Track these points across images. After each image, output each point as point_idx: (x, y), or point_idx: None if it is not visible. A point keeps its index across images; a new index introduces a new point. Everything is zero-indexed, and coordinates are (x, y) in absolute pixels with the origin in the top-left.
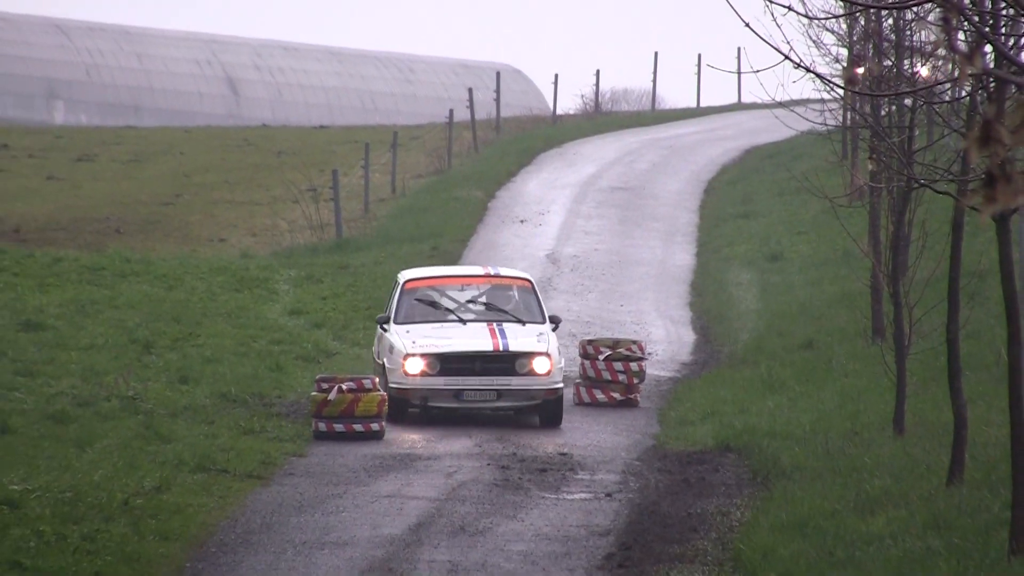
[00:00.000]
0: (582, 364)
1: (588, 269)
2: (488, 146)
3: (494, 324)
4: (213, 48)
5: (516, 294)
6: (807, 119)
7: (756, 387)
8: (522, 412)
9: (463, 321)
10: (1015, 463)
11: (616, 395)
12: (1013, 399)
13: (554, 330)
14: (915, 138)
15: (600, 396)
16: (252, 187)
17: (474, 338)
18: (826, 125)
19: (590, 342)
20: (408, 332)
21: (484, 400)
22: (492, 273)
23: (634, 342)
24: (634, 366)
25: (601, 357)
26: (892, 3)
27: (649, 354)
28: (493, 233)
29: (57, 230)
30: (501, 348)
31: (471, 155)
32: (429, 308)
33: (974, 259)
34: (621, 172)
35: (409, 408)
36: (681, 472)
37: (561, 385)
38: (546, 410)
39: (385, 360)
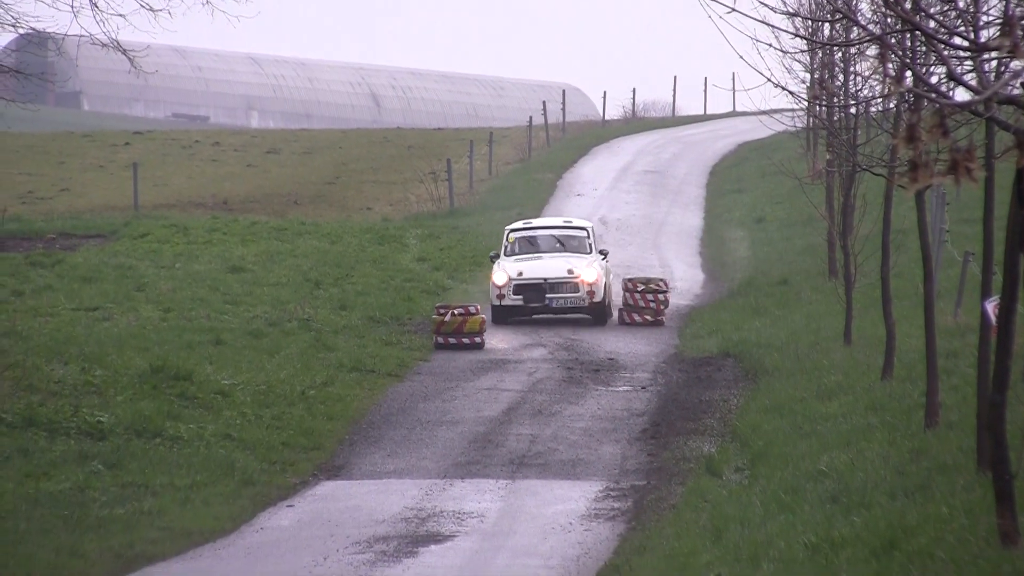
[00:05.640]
0: (624, 296)
1: (628, 229)
2: (556, 142)
3: None
4: (362, 73)
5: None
6: (782, 122)
7: (747, 311)
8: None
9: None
10: (928, 364)
11: (648, 317)
12: (927, 319)
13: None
14: (858, 136)
15: (637, 318)
16: (390, 171)
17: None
18: (795, 126)
19: (630, 280)
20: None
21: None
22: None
23: (661, 280)
24: (661, 296)
25: (638, 290)
26: (840, 42)
27: (672, 288)
28: (560, 203)
29: (253, 202)
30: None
31: (545, 149)
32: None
33: (899, 220)
34: (651, 160)
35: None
36: (695, 371)
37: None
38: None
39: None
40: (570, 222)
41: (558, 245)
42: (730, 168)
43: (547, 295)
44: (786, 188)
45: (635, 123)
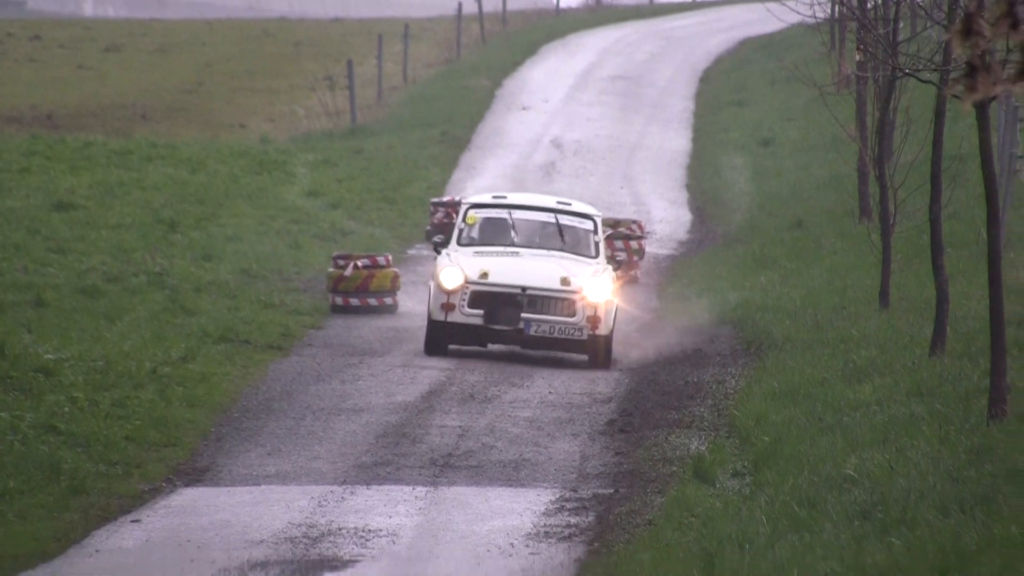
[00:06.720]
0: None
1: (590, 153)
2: (495, 37)
3: None
4: None
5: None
6: (797, 11)
7: (749, 264)
8: None
9: None
10: (993, 334)
11: (618, 272)
12: (992, 275)
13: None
14: (899, 30)
15: None
16: (271, 76)
17: None
18: (815, 17)
19: None
20: None
21: None
22: None
23: (634, 221)
24: (634, 244)
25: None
26: None
27: (649, 233)
28: (499, 120)
29: (87, 116)
30: None
31: (479, 46)
32: None
33: (955, 144)
34: (621, 62)
35: None
36: (679, 343)
37: None
38: None
39: None
40: (568, 204)
41: (547, 239)
42: (728, 73)
43: (524, 314)
44: (802, 100)
45: (600, 12)
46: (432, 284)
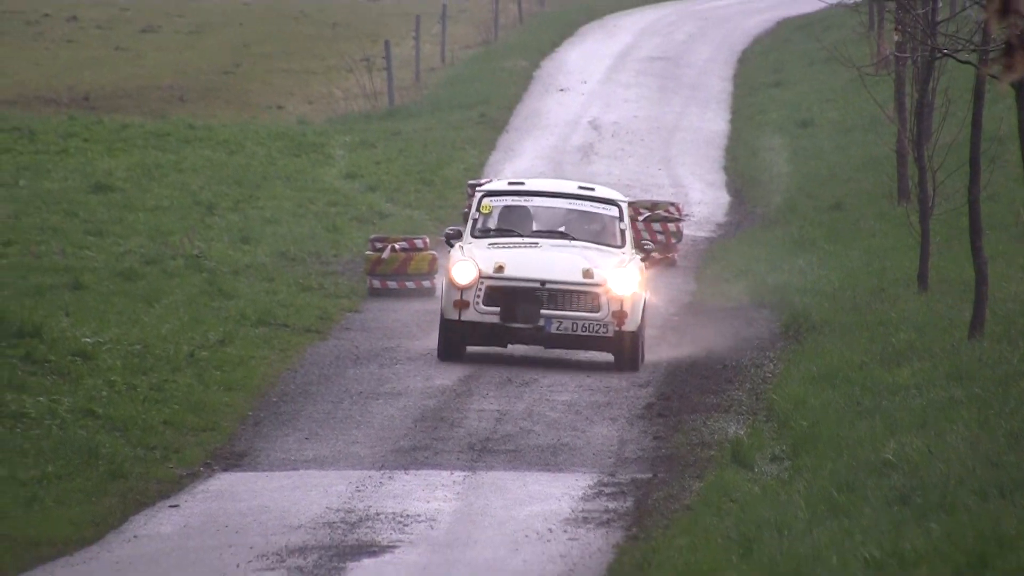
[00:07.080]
0: None
1: (628, 135)
2: (533, 18)
3: None
4: None
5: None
6: None
7: (787, 246)
8: None
9: None
10: None
11: (655, 254)
12: None
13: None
14: (938, 9)
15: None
16: (308, 57)
17: None
18: None
19: (630, 204)
20: None
21: None
22: None
23: (672, 203)
24: (672, 227)
25: (641, 218)
26: None
27: (686, 215)
28: (537, 101)
29: (124, 98)
30: None
31: (516, 27)
32: None
33: (994, 125)
34: (659, 43)
35: None
36: (717, 327)
37: None
38: None
39: None
40: (591, 189)
41: (569, 227)
42: (766, 54)
43: (543, 310)
44: (841, 81)
45: None
46: (443, 280)
